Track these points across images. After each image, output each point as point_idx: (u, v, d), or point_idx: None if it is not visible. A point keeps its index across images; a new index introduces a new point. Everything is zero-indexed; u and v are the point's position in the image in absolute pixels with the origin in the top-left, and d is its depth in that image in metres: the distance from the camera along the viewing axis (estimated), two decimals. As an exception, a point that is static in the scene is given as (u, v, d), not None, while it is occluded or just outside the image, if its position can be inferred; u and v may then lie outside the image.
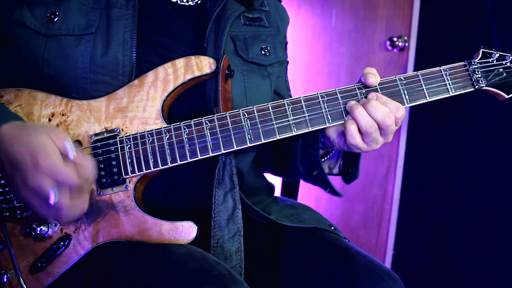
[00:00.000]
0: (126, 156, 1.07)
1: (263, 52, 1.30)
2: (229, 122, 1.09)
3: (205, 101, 1.17)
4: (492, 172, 2.31)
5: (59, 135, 0.94)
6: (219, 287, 0.93)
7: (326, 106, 1.11)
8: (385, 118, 1.07)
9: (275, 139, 1.09)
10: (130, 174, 1.07)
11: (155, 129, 1.08)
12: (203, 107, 1.17)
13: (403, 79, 1.14)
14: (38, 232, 1.04)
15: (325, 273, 1.11)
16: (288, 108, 1.10)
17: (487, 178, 2.33)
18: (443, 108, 2.46)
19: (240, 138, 1.08)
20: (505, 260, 2.25)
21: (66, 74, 1.09)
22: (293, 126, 1.10)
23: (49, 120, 1.09)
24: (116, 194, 1.07)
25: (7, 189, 1.05)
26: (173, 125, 1.08)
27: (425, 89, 1.13)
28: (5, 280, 1.03)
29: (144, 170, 1.07)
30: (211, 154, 1.07)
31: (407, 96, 1.13)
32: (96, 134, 1.09)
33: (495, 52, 1.18)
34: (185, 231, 1.05)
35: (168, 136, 1.08)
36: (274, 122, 1.09)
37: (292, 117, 1.10)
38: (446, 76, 1.15)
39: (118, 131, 1.09)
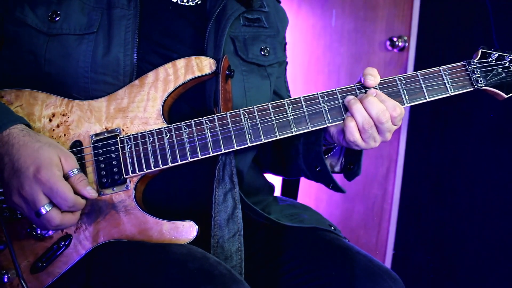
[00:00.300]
0: (127, 156, 1.07)
1: (262, 52, 1.30)
2: (230, 122, 1.09)
3: (205, 101, 1.17)
4: (492, 172, 2.31)
5: (69, 160, 0.99)
6: (219, 287, 0.93)
7: (326, 106, 1.11)
8: (379, 115, 1.08)
9: (276, 138, 1.09)
10: (130, 174, 1.07)
11: (156, 129, 1.08)
12: (203, 107, 1.17)
13: (402, 79, 1.14)
14: (39, 232, 1.05)
15: (325, 273, 1.11)
16: (288, 108, 1.11)
17: (487, 178, 2.33)
18: (443, 108, 2.46)
19: (240, 138, 1.09)
20: (505, 260, 2.25)
21: (67, 74, 1.10)
22: (293, 126, 1.10)
23: (50, 120, 1.09)
24: (117, 194, 1.08)
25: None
26: (173, 125, 1.08)
27: (424, 89, 1.14)
28: (5, 280, 1.04)
29: (145, 170, 1.07)
30: (211, 154, 1.08)
31: (406, 96, 1.13)
32: (96, 134, 1.09)
33: (494, 52, 1.19)
34: (186, 230, 1.06)
35: (168, 136, 1.08)
36: (274, 122, 1.10)
37: (292, 117, 1.10)
38: (445, 76, 1.15)
39: (118, 131, 1.09)
